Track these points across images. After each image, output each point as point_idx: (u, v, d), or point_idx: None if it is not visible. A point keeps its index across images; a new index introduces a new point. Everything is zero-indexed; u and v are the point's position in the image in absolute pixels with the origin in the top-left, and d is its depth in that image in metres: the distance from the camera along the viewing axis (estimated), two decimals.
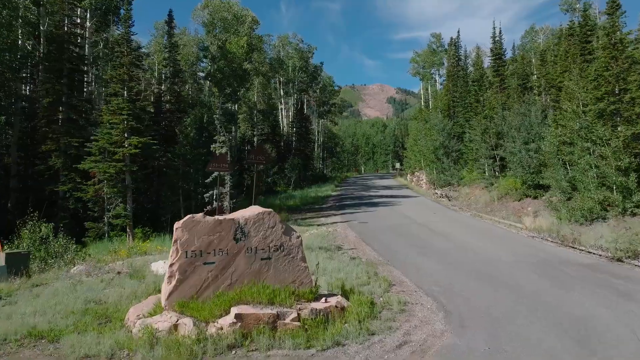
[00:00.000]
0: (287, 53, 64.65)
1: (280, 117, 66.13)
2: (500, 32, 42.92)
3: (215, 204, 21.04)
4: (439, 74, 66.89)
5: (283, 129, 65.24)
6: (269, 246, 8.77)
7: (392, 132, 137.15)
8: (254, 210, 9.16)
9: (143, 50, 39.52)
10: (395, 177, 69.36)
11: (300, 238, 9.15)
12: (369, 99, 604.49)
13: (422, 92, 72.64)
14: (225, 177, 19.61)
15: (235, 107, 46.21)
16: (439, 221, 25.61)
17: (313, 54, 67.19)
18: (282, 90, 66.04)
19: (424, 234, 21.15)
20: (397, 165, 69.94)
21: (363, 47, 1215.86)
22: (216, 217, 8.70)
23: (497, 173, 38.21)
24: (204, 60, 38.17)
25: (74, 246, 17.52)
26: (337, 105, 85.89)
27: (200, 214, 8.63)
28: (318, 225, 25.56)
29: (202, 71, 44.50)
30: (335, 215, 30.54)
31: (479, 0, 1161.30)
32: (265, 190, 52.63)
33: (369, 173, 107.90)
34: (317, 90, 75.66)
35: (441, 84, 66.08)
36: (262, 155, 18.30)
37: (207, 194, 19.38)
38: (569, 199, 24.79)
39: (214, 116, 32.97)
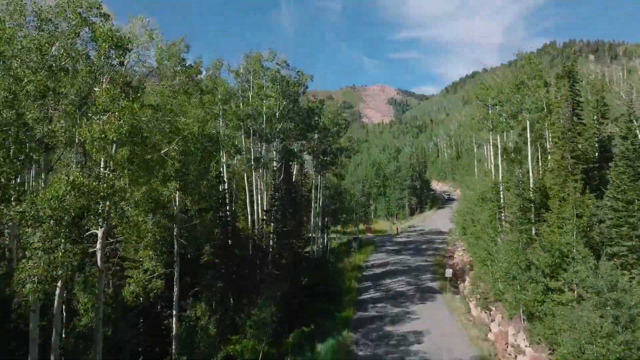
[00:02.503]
0: (260, 89, 33.97)
1: (249, 200, 35.57)
2: None
3: None
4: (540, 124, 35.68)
5: (254, 222, 34.86)
6: None
7: (408, 159, 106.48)
8: None
9: None
10: (444, 292, 39.13)
11: None
12: (370, 100, 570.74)
13: (490, 151, 41.87)
14: None
15: None
16: None
17: (306, 87, 36.68)
18: (253, 146, 35.47)
19: None
20: (448, 273, 39.39)
21: (363, 47, 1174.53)
22: None
23: None
24: None
25: None
26: (344, 150, 55.36)
27: None
28: None
29: None
30: None
31: (479, 0, 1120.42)
32: None
33: (383, 232, 77.07)
34: (315, 137, 45.12)
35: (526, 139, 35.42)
36: None
37: None
38: None
39: None
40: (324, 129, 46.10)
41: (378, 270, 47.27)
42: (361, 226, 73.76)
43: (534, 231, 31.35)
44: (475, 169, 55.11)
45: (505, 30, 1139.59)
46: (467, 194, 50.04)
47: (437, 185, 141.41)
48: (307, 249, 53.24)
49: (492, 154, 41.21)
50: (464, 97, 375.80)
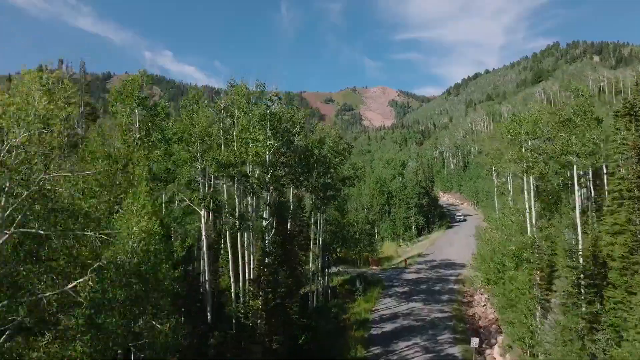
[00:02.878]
0: (245, 129, 27.22)
1: (233, 266, 28.87)
2: None
3: None
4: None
5: (238, 295, 28.19)
6: None
7: (414, 174, 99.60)
8: None
9: None
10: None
11: None
12: (371, 102, 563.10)
13: (510, 183, 35.14)
14: None
15: None
16: None
17: (302, 126, 29.92)
18: (237, 197, 28.79)
19: None
20: (474, 342, 32.71)
21: (364, 48, 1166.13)
22: None
23: None
24: None
25: None
26: (348, 179, 48.73)
27: None
28: None
29: None
30: None
31: (480, 0, 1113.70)
32: None
33: (389, 259, 70.58)
34: (315, 176, 38.45)
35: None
36: None
37: None
38: None
39: None
40: (324, 162, 39.49)
41: (388, 327, 40.57)
42: (365, 253, 67.25)
43: (583, 308, 24.77)
44: (496, 202, 48.35)
45: (506, 31, 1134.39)
46: (489, 236, 43.34)
47: (443, 197, 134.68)
48: (306, 289, 47.23)
49: (525, 195, 34.34)
50: (467, 99, 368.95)
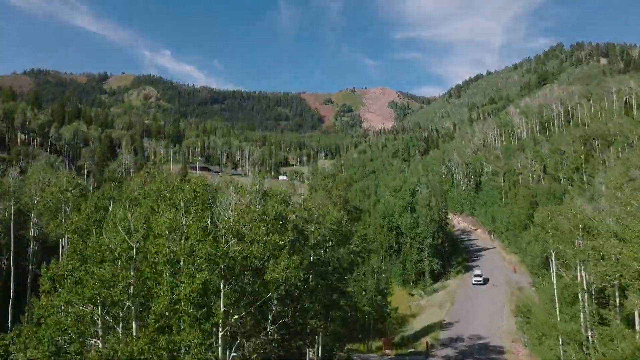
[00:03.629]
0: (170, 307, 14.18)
1: None
2: None
3: None
4: None
5: None
6: None
7: (427, 206, 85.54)
8: None
9: None
10: None
11: None
12: (371, 103, 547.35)
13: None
14: None
15: None
16: None
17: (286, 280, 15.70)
18: None
19: None
20: None
21: (364, 48, 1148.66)
22: None
23: None
24: None
25: None
26: (354, 254, 35.64)
27: None
28: None
29: None
30: None
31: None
32: None
33: (403, 321, 57.66)
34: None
35: None
36: None
37: None
38: None
39: None
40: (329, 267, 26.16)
41: None
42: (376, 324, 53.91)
43: None
44: (555, 292, 34.94)
45: (506, 30, 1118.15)
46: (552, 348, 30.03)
47: (454, 219, 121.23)
48: None
49: None
50: (468, 102, 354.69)
